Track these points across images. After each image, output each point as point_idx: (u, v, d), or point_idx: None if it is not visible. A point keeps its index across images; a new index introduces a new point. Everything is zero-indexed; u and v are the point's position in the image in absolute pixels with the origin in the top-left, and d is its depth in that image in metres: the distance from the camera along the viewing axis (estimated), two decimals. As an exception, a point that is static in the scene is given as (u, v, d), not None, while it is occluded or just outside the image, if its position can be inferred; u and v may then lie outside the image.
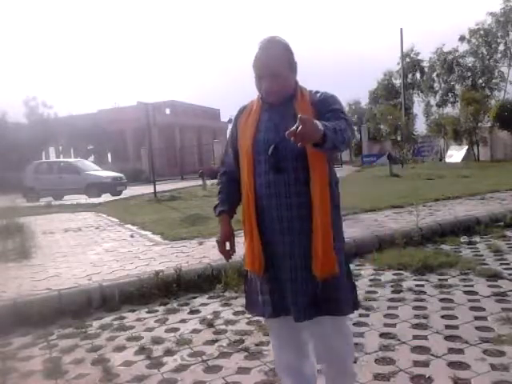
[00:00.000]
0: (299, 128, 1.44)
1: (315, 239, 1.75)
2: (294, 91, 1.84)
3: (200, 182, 16.44)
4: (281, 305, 1.83)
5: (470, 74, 37.73)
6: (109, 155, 40.94)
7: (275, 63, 1.78)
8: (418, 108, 41.41)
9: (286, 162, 1.76)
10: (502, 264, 4.27)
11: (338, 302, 1.80)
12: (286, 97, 1.82)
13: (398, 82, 40.34)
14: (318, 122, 1.54)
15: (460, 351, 2.58)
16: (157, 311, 3.66)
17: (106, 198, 15.90)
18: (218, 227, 2.01)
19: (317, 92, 1.88)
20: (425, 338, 2.79)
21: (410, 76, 40.82)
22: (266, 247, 1.82)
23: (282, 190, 1.77)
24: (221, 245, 1.98)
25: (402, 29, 30.20)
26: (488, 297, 3.43)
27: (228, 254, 2.00)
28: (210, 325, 3.28)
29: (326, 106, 1.79)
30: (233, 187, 1.96)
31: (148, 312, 3.65)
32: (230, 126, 2.04)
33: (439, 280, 3.90)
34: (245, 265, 1.93)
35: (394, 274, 4.17)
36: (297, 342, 1.96)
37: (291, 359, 1.97)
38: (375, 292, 3.72)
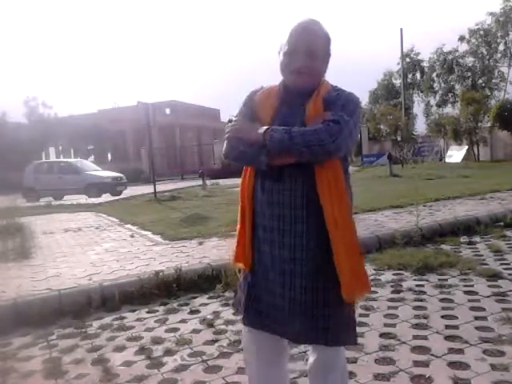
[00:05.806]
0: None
1: (338, 259, 1.55)
2: (318, 87, 1.63)
3: (200, 182, 16.45)
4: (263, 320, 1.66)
5: (469, 74, 37.74)
6: (109, 155, 40.93)
7: (315, 40, 1.60)
8: (418, 108, 41.48)
9: (285, 166, 1.56)
10: (502, 264, 4.27)
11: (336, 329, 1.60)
12: (308, 89, 1.61)
13: (398, 82, 40.37)
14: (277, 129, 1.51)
15: (460, 351, 2.58)
16: (157, 311, 3.66)
17: (106, 198, 15.90)
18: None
19: (336, 90, 1.66)
20: (425, 337, 2.79)
21: (409, 76, 40.84)
22: (256, 256, 1.67)
23: (275, 198, 1.59)
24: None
25: (401, 29, 30.23)
26: (488, 297, 3.43)
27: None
28: (210, 325, 3.27)
29: (331, 105, 1.58)
30: None
31: (148, 312, 3.65)
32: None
33: (439, 280, 3.90)
34: (234, 262, 1.77)
35: (393, 274, 4.17)
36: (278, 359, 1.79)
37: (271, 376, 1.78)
38: (375, 292, 3.71)
